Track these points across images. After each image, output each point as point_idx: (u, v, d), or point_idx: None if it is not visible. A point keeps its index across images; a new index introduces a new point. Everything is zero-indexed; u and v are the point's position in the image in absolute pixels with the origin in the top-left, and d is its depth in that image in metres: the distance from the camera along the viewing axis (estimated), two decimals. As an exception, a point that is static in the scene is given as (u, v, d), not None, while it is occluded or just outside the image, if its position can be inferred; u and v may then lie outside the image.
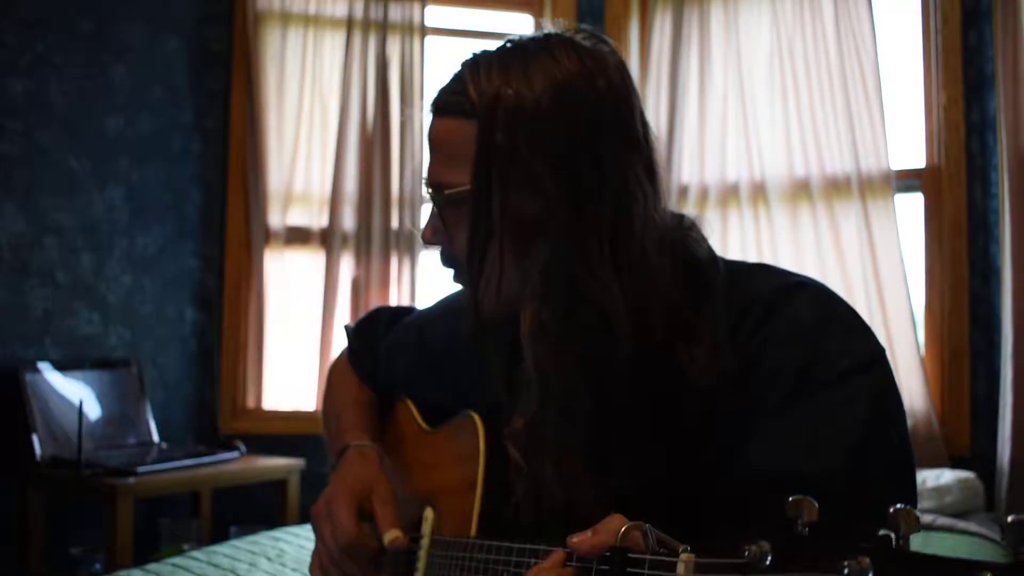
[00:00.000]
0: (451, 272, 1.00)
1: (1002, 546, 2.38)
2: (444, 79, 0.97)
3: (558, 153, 0.89)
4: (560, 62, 0.90)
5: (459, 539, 0.97)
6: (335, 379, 1.35)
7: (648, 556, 0.65)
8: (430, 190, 0.96)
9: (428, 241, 0.99)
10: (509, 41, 0.95)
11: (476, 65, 0.93)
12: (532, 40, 0.94)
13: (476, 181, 0.91)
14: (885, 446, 0.85)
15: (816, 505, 0.55)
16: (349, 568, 1.06)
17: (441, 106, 0.95)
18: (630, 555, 0.66)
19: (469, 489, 0.97)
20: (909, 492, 0.87)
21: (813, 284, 0.94)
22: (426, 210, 3.43)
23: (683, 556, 0.62)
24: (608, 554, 0.69)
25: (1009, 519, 0.46)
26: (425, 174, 0.97)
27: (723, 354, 0.89)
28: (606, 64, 0.92)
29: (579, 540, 0.74)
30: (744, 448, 0.86)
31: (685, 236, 0.96)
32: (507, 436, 0.99)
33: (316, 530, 1.09)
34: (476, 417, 1.01)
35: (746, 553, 0.55)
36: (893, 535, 0.51)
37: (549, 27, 0.96)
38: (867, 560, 0.49)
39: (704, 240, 0.98)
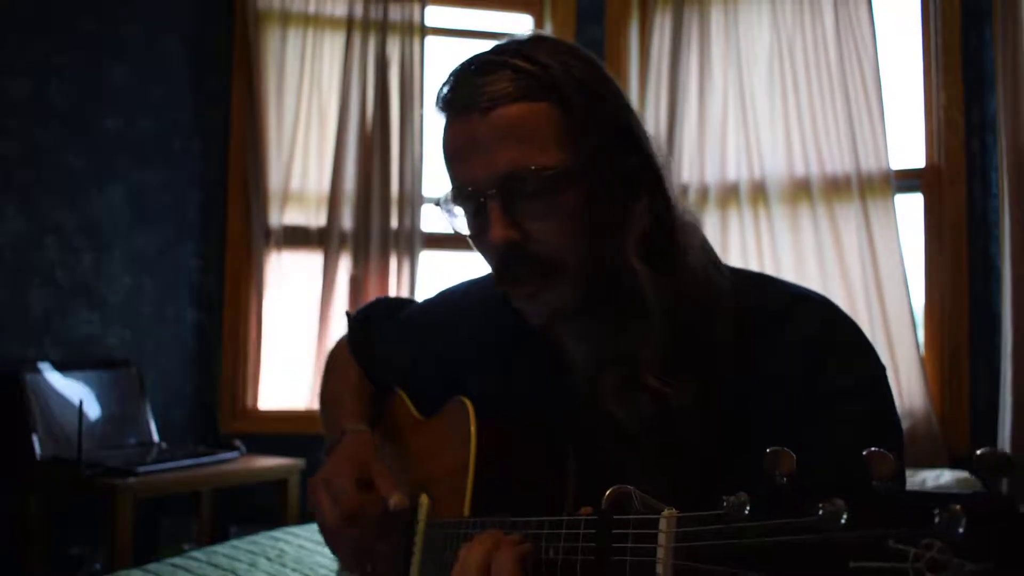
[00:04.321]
0: (513, 275, 0.91)
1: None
2: (473, 79, 0.90)
3: (620, 131, 0.91)
4: (580, 54, 0.92)
5: (453, 519, 0.98)
6: (334, 365, 1.36)
7: (632, 516, 0.67)
8: (506, 182, 0.87)
9: (506, 241, 0.88)
10: (512, 40, 0.94)
11: (519, 54, 0.89)
12: (538, 36, 0.94)
13: (579, 156, 0.87)
14: None
15: (793, 456, 0.56)
16: (352, 535, 1.07)
17: (502, 94, 0.87)
18: (615, 516, 0.69)
19: (462, 472, 0.98)
20: None
21: (818, 298, 0.94)
22: (428, 209, 3.46)
23: (665, 512, 0.63)
24: (595, 517, 0.71)
25: (978, 452, 0.47)
26: (489, 169, 0.88)
27: (723, 357, 0.90)
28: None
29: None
30: (740, 455, 0.86)
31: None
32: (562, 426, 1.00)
33: (315, 501, 1.11)
34: (467, 401, 1.03)
35: (724, 503, 0.57)
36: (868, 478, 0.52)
37: (534, 32, 0.97)
38: (840, 502, 0.50)
39: (708, 244, 0.98)
